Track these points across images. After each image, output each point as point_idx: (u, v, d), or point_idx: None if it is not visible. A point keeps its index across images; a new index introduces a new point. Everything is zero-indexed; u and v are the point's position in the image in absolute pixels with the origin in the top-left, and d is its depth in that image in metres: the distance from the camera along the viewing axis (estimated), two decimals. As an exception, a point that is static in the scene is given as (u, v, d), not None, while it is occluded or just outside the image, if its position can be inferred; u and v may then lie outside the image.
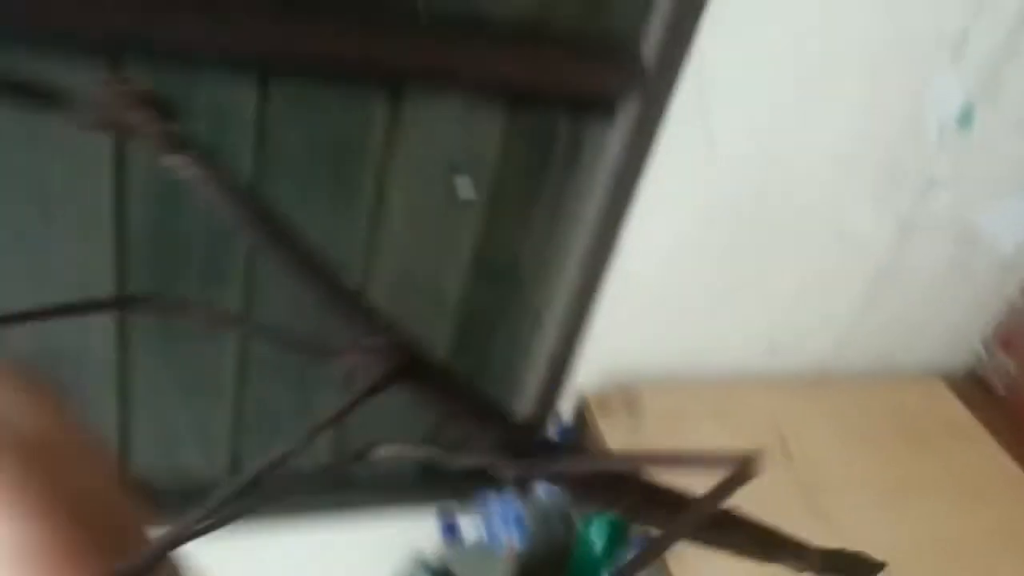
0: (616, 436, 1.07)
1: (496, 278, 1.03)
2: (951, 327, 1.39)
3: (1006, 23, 1.06)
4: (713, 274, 1.12)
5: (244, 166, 0.81)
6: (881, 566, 0.32)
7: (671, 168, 0.99)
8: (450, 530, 1.09)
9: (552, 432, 1.08)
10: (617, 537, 0.96)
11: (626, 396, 1.12)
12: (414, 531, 1.16)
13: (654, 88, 0.92)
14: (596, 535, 0.95)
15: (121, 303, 0.23)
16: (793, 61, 0.97)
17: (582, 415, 1.11)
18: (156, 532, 0.19)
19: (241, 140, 0.81)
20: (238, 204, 0.21)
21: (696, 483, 0.24)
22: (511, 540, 1.00)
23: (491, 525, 1.01)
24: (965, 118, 1.13)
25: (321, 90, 0.81)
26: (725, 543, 0.30)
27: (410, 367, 0.23)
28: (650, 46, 0.90)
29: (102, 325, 0.89)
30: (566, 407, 1.14)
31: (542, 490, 1.05)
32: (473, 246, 0.97)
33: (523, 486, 1.05)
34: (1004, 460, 1.26)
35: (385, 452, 0.25)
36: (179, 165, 0.21)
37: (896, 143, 1.10)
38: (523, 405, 1.13)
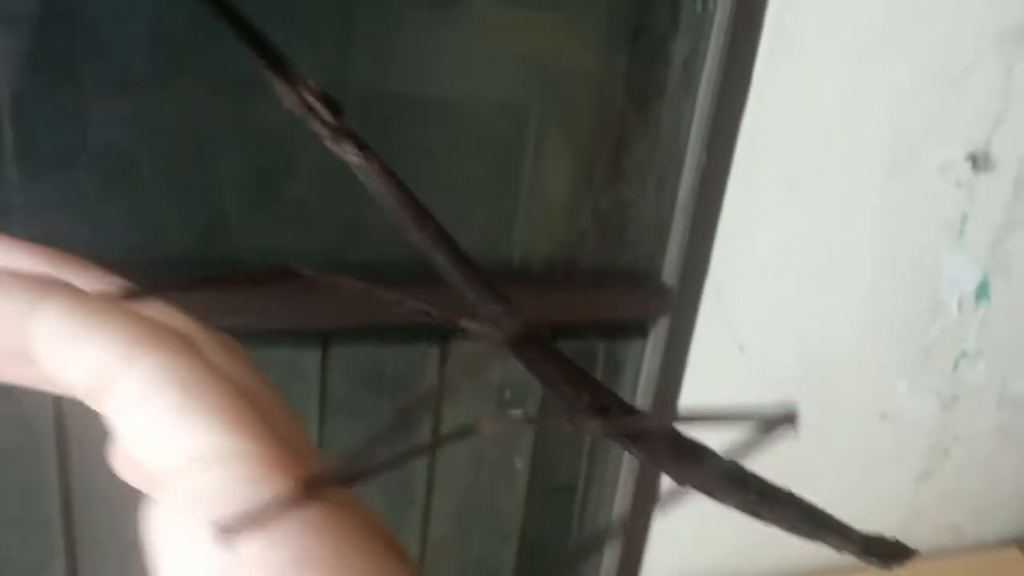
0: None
1: (553, 498, 1.06)
2: (1016, 492, 1.38)
3: (1001, 202, 1.13)
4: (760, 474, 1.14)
5: (310, 414, 0.88)
6: (915, 552, 0.34)
7: (706, 377, 1.04)
8: None
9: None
10: None
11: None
12: None
13: (680, 306, 0.98)
14: None
15: (282, 273, 0.28)
16: (805, 259, 1.04)
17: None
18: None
19: (306, 392, 0.88)
20: (400, 193, 0.26)
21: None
22: None
23: None
24: (982, 292, 1.18)
25: (377, 347, 0.89)
26: (776, 517, 0.32)
27: (524, 334, 0.28)
28: (671, 269, 0.97)
29: None
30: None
31: None
32: (528, 468, 1.01)
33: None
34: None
35: (490, 425, 0.27)
36: (351, 154, 0.25)
37: (920, 323, 1.15)
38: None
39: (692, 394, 1.03)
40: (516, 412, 0.98)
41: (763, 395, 1.10)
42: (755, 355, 1.06)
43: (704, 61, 0.91)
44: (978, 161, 1.08)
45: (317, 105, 0.25)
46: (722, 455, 0.29)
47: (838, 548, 0.33)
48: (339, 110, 0.25)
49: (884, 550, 0.34)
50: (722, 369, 1.05)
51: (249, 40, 0.23)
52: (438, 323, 0.29)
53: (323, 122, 0.25)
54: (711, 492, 0.31)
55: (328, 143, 0.25)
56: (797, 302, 1.05)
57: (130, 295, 0.22)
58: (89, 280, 0.22)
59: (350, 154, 0.25)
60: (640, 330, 1.00)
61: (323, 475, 0.19)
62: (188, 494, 0.18)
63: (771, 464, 1.11)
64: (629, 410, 0.31)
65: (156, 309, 0.22)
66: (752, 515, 0.32)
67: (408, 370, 0.90)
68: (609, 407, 0.30)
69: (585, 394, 0.30)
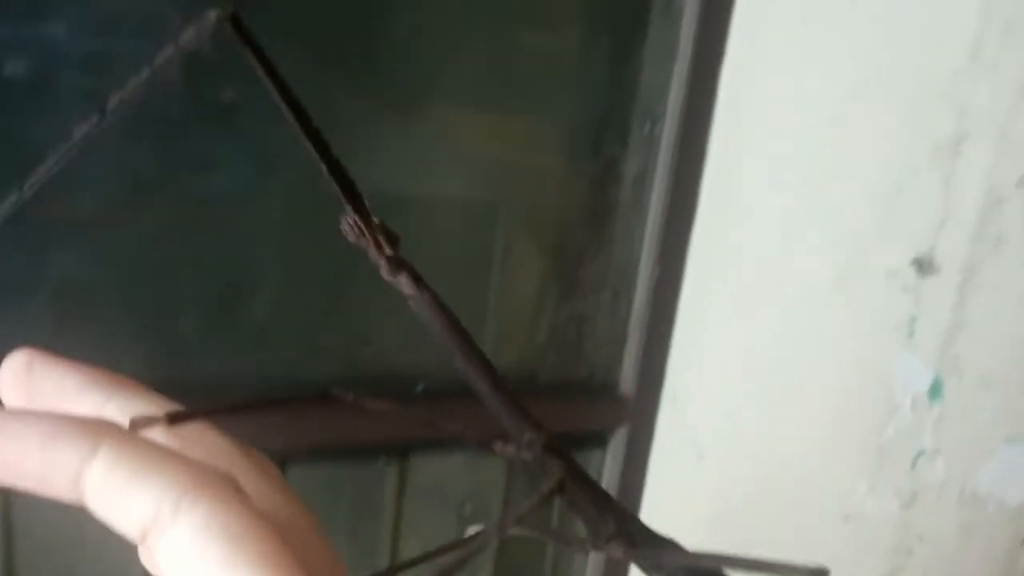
0: None
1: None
2: (981, 587, 1.38)
3: (947, 304, 1.16)
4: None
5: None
6: None
7: (666, 486, 1.05)
8: None
9: None
10: None
11: None
12: None
13: (637, 416, 1.00)
14: None
15: (322, 395, 0.29)
16: (759, 366, 1.06)
17: None
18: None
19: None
20: (448, 323, 0.27)
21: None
22: None
23: None
24: (935, 391, 1.20)
25: (335, 469, 0.89)
26: None
27: (556, 459, 0.29)
28: (628, 380, 0.99)
29: None
30: None
31: None
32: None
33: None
34: None
35: (516, 531, 0.29)
36: (403, 284, 0.27)
37: (876, 424, 1.17)
38: None
39: (652, 504, 1.03)
40: (475, 527, 0.98)
41: (723, 503, 1.10)
42: (714, 463, 1.07)
43: (653, 180, 0.95)
44: (923, 266, 1.12)
45: (379, 236, 0.26)
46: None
47: None
48: (396, 241, 0.27)
49: None
50: (682, 478, 1.06)
51: (332, 170, 0.24)
52: (470, 444, 0.31)
53: (382, 253, 0.27)
54: None
55: (384, 274, 0.27)
56: (753, 410, 1.07)
57: (176, 418, 0.23)
58: (139, 403, 0.23)
59: (405, 285, 0.27)
60: (599, 441, 1.01)
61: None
62: None
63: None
64: (653, 538, 0.33)
65: (198, 431, 0.24)
66: None
67: (366, 489, 0.90)
68: (635, 534, 0.32)
69: (612, 521, 0.32)
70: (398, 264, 0.27)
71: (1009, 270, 1.19)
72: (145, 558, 0.21)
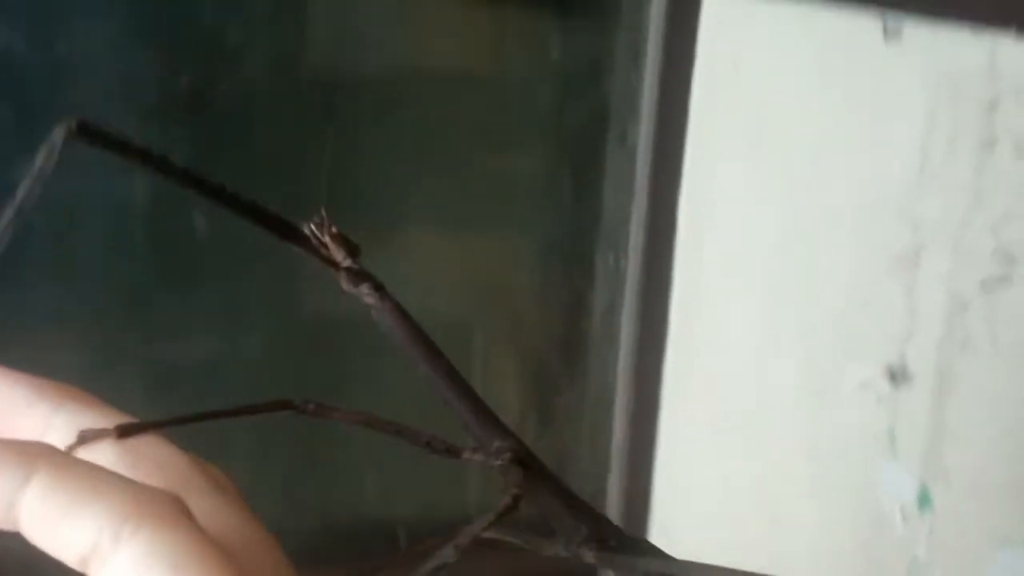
0: None
1: None
2: None
3: (924, 411, 1.17)
4: None
5: None
6: None
7: None
8: None
9: None
10: None
11: None
12: None
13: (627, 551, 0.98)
14: None
15: (281, 405, 0.27)
16: (744, 497, 1.05)
17: None
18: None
19: None
20: (411, 332, 0.27)
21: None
22: None
23: None
24: (924, 500, 1.19)
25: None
26: None
27: (528, 467, 0.30)
28: (612, 514, 0.98)
29: None
30: None
31: None
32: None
33: None
34: None
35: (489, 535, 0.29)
36: (365, 294, 0.26)
37: (865, 538, 1.15)
38: None
39: None
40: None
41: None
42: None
43: (622, 313, 0.95)
44: (895, 376, 1.13)
45: (334, 247, 0.26)
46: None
47: None
48: (355, 252, 0.27)
49: None
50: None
51: (253, 217, 0.24)
52: (438, 452, 0.31)
53: (338, 265, 0.27)
54: None
55: (344, 284, 0.27)
56: (742, 538, 1.05)
57: (126, 431, 0.22)
58: (88, 415, 0.22)
59: (366, 295, 0.27)
60: (587, 574, 0.98)
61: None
62: None
63: None
64: (629, 542, 0.33)
65: (150, 444, 0.23)
66: None
67: None
68: (609, 539, 0.32)
69: (584, 526, 0.32)
70: (358, 275, 0.27)
71: (981, 372, 1.20)
72: None
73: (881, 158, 1.08)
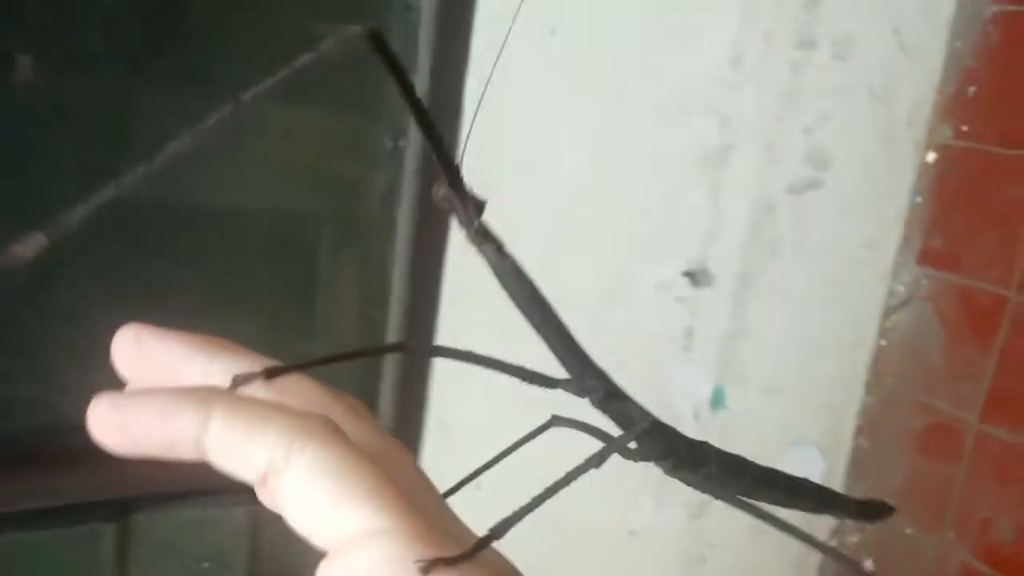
0: None
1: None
2: (776, 585, 1.40)
3: (723, 313, 1.16)
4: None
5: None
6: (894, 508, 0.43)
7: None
8: None
9: None
10: None
11: None
12: None
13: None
14: None
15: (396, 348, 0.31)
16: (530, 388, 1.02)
17: None
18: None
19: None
20: (529, 289, 0.31)
21: None
22: None
23: None
24: (718, 400, 1.20)
25: (40, 534, 0.79)
26: (771, 496, 0.40)
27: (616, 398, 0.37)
28: (386, 406, 0.93)
29: None
30: None
31: None
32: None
33: None
34: None
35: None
36: (488, 253, 0.29)
37: (659, 437, 1.16)
38: None
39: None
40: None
41: (508, 532, 1.06)
42: (492, 492, 1.02)
43: (401, 196, 0.89)
44: (696, 277, 1.11)
45: (469, 204, 0.28)
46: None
47: (836, 516, 0.37)
48: (482, 212, 0.29)
49: (872, 511, 0.43)
50: (459, 509, 1.00)
51: (436, 148, 0.27)
52: (539, 384, 0.37)
53: (469, 221, 0.29)
54: (713, 482, 0.38)
55: (469, 240, 0.30)
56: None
57: (272, 373, 0.25)
58: (239, 362, 0.26)
59: (489, 254, 0.30)
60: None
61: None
62: (349, 570, 0.22)
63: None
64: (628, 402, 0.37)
65: (293, 382, 0.26)
66: (754, 497, 0.38)
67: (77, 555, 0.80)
68: (617, 394, 0.37)
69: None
70: (484, 235, 0.30)
71: (785, 275, 1.20)
72: (265, 498, 0.24)
73: (692, 51, 1.03)
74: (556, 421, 0.38)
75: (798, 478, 0.41)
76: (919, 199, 1.30)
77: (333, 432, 0.23)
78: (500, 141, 0.91)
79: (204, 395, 0.24)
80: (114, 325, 0.26)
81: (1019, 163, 1.19)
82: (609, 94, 0.97)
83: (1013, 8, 1.21)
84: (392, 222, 0.89)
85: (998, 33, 1.23)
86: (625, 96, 0.98)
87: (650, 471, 1.18)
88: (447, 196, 0.28)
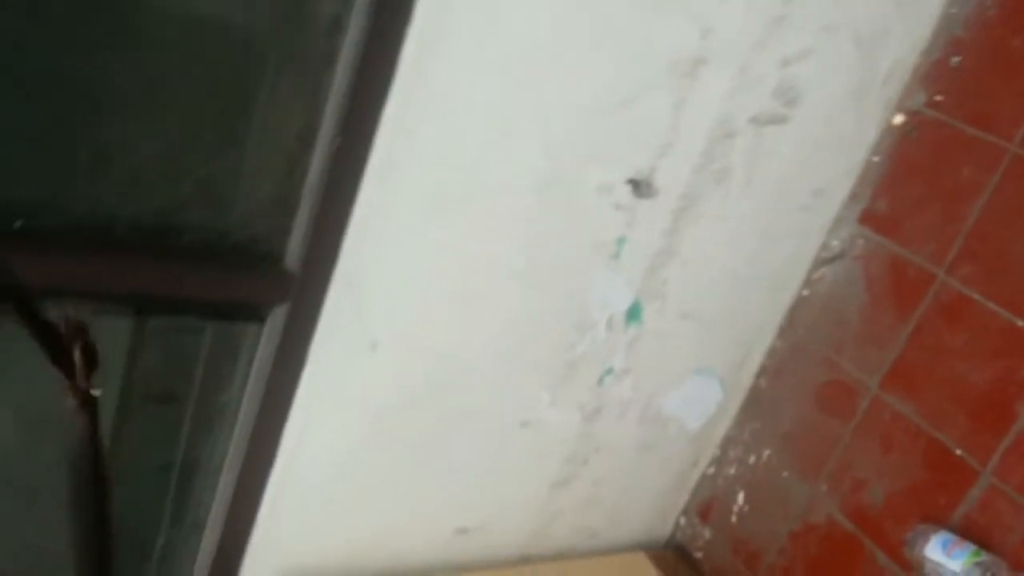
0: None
1: (141, 481, 0.97)
2: (651, 502, 1.44)
3: (660, 229, 1.14)
4: (389, 467, 1.10)
5: None
6: None
7: (332, 371, 0.98)
8: None
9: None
10: None
11: (298, 599, 1.07)
12: None
13: (302, 295, 0.91)
14: None
15: None
16: (446, 267, 1.00)
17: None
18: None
19: None
20: None
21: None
22: None
23: None
24: (634, 314, 1.20)
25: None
26: None
27: None
28: (295, 255, 0.90)
29: None
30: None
31: None
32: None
33: None
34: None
35: None
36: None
37: (568, 339, 1.15)
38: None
39: (311, 391, 0.97)
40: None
41: (400, 395, 1.05)
42: (389, 355, 1.01)
43: (348, 27, 0.83)
44: (640, 187, 1.09)
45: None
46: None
47: None
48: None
49: None
50: (350, 366, 0.99)
51: None
52: None
53: None
54: None
55: None
56: (437, 307, 1.02)
57: None
58: None
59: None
60: (255, 314, 0.92)
61: None
62: None
63: (413, 451, 1.05)
64: None
65: None
66: None
67: None
68: None
69: None
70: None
71: (727, 206, 1.18)
72: None
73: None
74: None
75: None
76: (876, 159, 1.29)
77: None
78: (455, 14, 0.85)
79: None
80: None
81: (982, 145, 1.18)
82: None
83: (1017, -16, 1.18)
84: (334, 53, 0.83)
85: (996, 8, 1.20)
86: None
87: (553, 366, 1.18)
88: None
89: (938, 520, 1.17)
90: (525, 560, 1.32)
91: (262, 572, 1.07)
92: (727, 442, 1.44)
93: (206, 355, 0.91)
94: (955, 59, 1.23)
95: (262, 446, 0.97)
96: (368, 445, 1.06)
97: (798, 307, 1.35)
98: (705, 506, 1.47)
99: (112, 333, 0.85)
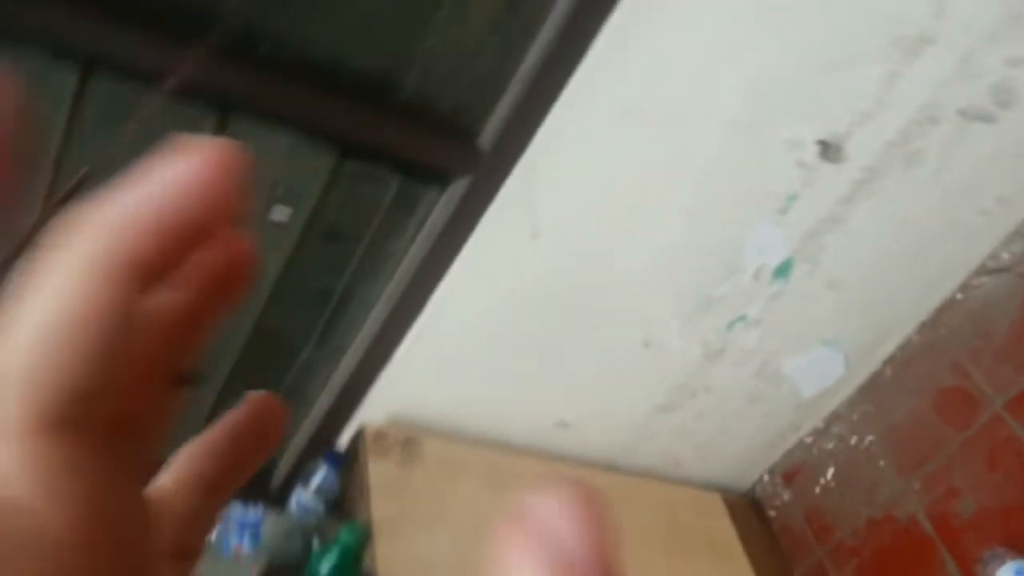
0: (381, 471, 1.12)
1: (301, 302, 1.07)
2: (742, 451, 1.48)
3: (835, 196, 1.15)
4: (516, 348, 1.18)
5: (54, 139, 0.84)
6: None
7: (493, 248, 1.05)
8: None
9: (324, 455, 1.13)
10: (345, 570, 1.01)
11: (405, 437, 1.17)
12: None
13: (485, 173, 0.97)
14: (325, 565, 1.00)
15: None
16: (624, 181, 1.04)
17: (357, 444, 1.16)
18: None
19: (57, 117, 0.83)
20: None
21: None
22: (240, 547, 1.04)
23: (224, 528, 1.05)
24: (783, 270, 1.22)
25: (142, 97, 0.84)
26: None
27: None
28: (491, 133, 0.96)
29: None
30: (347, 435, 1.19)
31: (295, 505, 1.09)
32: (278, 267, 1.01)
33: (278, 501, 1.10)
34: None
35: None
36: None
37: (712, 275, 1.18)
38: (308, 426, 1.17)
39: (469, 260, 1.04)
40: (283, 208, 0.97)
41: (544, 284, 1.12)
42: (547, 248, 1.07)
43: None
44: (829, 150, 1.09)
45: None
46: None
47: None
48: None
49: None
50: (511, 247, 1.06)
51: None
52: None
53: None
54: None
55: None
56: (603, 212, 1.06)
57: None
58: None
59: None
60: (440, 179, 0.99)
61: None
62: None
63: (541, 339, 1.13)
64: None
65: None
66: None
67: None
68: None
69: None
70: None
71: (909, 189, 1.17)
72: None
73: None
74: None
75: None
76: (1077, 181, 1.23)
77: None
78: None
79: None
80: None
81: None
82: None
83: None
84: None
85: None
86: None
87: (691, 298, 1.22)
88: None
89: (1019, 549, 1.17)
90: (610, 468, 1.40)
91: (379, 408, 1.18)
92: (833, 417, 1.45)
93: (387, 206, 0.99)
94: None
95: (414, 297, 1.05)
96: (504, 322, 1.14)
97: (946, 308, 1.34)
98: (793, 470, 1.50)
99: (314, 168, 0.93)
